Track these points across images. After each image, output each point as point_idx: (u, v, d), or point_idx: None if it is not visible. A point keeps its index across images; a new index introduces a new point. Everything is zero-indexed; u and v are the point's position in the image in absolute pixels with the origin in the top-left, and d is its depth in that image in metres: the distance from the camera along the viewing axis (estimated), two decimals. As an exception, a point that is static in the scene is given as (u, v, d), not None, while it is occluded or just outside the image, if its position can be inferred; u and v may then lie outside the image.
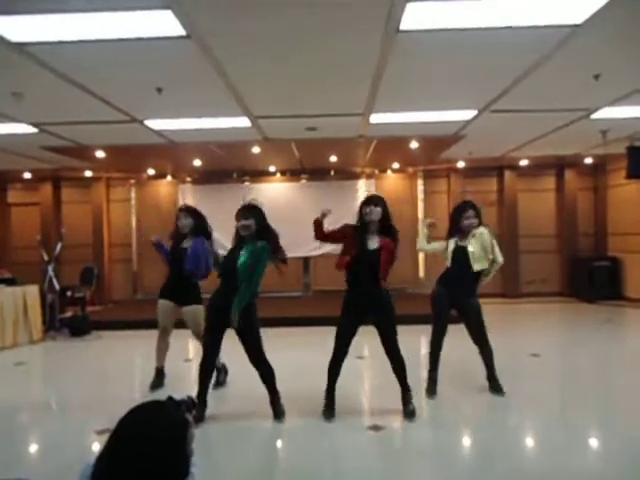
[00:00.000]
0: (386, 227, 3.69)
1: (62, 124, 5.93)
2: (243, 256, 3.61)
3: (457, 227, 4.20)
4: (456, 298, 4.16)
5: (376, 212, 3.63)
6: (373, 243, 3.64)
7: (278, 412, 3.74)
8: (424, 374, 4.39)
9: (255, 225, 3.66)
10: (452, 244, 4.22)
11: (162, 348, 4.61)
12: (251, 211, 3.70)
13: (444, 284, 4.24)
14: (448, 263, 4.23)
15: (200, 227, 4.44)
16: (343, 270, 3.72)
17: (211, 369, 3.83)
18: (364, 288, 3.66)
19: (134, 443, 1.27)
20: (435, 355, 4.30)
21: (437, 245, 4.41)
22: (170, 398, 1.41)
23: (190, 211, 4.50)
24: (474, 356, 4.32)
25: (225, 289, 3.71)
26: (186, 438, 1.34)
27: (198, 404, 3.70)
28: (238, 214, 3.71)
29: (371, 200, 3.72)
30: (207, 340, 3.82)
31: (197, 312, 4.42)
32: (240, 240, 3.73)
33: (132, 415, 1.33)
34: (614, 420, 3.77)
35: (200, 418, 3.65)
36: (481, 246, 4.08)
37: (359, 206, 3.76)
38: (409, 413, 3.70)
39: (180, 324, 4.59)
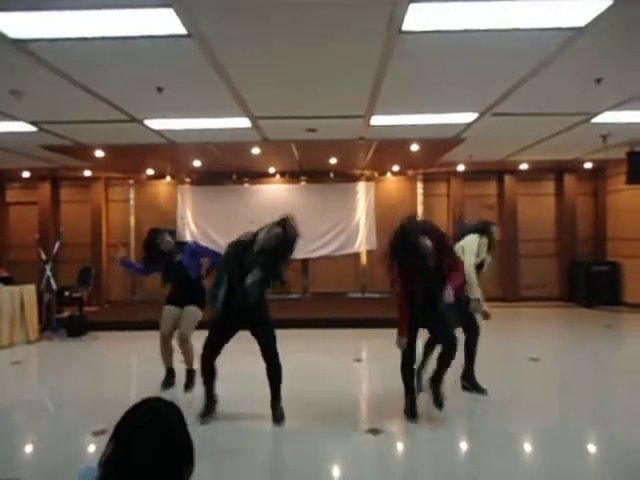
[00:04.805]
0: None
1: (61, 123, 5.90)
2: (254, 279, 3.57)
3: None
4: None
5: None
6: None
7: (278, 415, 3.70)
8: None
9: None
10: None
11: (165, 353, 4.57)
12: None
13: None
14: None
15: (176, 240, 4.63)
16: None
17: (213, 367, 3.78)
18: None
19: (145, 432, 1.26)
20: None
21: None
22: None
23: (171, 231, 4.67)
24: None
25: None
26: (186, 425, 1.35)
27: (208, 401, 3.78)
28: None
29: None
30: (214, 340, 3.74)
31: (195, 313, 4.42)
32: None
33: (136, 410, 1.32)
34: (613, 426, 3.74)
35: (210, 412, 3.76)
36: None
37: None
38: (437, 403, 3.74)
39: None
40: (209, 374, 3.75)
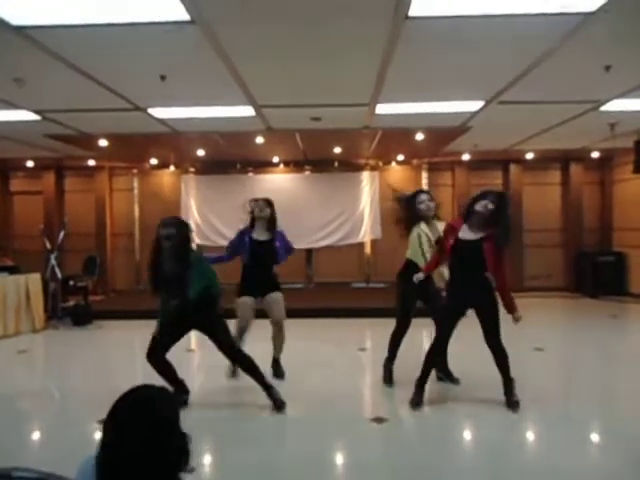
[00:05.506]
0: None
1: (65, 111, 5.87)
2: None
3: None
4: None
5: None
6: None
7: (277, 403, 3.70)
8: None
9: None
10: None
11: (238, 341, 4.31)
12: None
13: None
14: None
15: (274, 219, 4.35)
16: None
17: (166, 360, 3.77)
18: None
19: (134, 420, 1.27)
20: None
21: None
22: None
23: (269, 202, 4.37)
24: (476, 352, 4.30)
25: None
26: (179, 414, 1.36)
27: (180, 391, 3.76)
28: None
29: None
30: (167, 338, 3.72)
31: (281, 298, 4.32)
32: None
33: (126, 398, 1.34)
34: (617, 415, 3.74)
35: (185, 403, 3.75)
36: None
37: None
38: (513, 404, 3.72)
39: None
40: (166, 367, 3.73)
